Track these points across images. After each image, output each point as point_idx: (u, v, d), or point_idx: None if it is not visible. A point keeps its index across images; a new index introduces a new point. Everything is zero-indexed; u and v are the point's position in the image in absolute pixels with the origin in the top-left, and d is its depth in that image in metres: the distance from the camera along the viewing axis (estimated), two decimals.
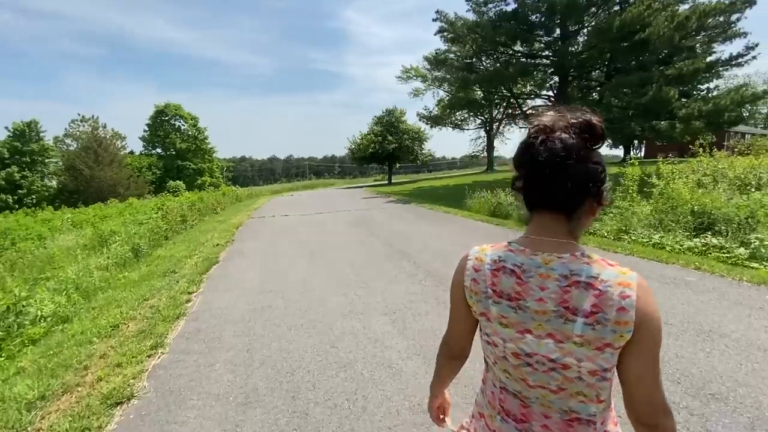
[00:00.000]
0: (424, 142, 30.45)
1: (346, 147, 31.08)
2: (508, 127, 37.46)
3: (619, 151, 39.52)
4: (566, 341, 0.75)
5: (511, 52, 21.34)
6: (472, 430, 1.00)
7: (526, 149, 0.77)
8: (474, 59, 21.67)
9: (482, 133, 38.82)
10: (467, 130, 36.17)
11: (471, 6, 20.07)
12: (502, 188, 10.35)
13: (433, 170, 63.29)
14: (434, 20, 20.03)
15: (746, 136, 36.70)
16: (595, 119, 0.75)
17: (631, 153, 37.64)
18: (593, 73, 21.51)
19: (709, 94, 14.35)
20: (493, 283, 0.82)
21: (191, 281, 5.22)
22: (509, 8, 19.51)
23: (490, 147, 37.86)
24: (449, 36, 21.31)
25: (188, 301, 4.53)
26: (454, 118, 31.74)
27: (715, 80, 19.88)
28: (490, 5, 19.65)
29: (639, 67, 17.49)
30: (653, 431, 0.76)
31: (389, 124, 28.87)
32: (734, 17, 15.55)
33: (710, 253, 5.08)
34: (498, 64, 19.95)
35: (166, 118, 44.43)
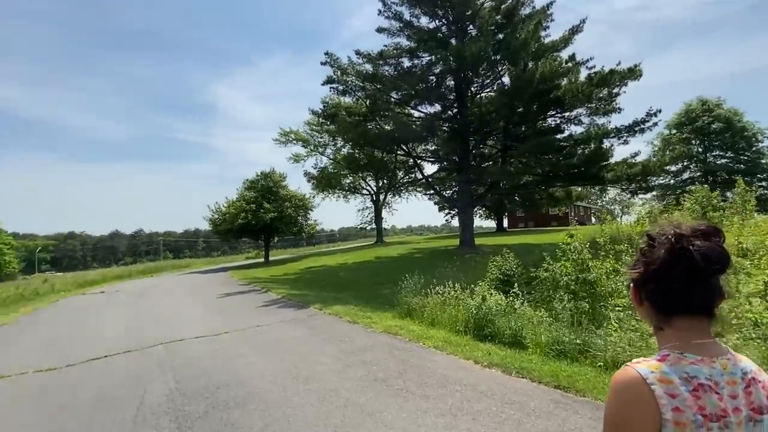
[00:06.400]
0: (310, 211, 25.47)
1: (206, 217, 23.76)
2: (396, 197, 35.61)
3: (491, 222, 41.55)
4: None
5: (408, 111, 19.14)
6: None
7: (677, 257, 0.74)
8: (368, 117, 18.55)
9: (369, 203, 36.09)
10: (364, 195, 33.18)
11: (363, 59, 17.23)
12: (442, 267, 5.79)
13: (316, 243, 57.83)
14: (323, 64, 16.46)
15: (579, 208, 42.53)
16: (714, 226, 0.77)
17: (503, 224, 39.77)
18: (489, 141, 20.63)
19: (632, 159, 13.34)
20: (700, 407, 0.70)
21: None
22: (407, 63, 17.42)
23: (378, 217, 34.99)
24: (340, 88, 17.93)
25: None
26: (344, 183, 27.90)
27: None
28: (389, 59, 17.13)
29: (537, 132, 16.71)
30: None
31: (266, 189, 23.19)
32: (615, 91, 15.93)
33: None
34: (402, 120, 17.03)
35: None
